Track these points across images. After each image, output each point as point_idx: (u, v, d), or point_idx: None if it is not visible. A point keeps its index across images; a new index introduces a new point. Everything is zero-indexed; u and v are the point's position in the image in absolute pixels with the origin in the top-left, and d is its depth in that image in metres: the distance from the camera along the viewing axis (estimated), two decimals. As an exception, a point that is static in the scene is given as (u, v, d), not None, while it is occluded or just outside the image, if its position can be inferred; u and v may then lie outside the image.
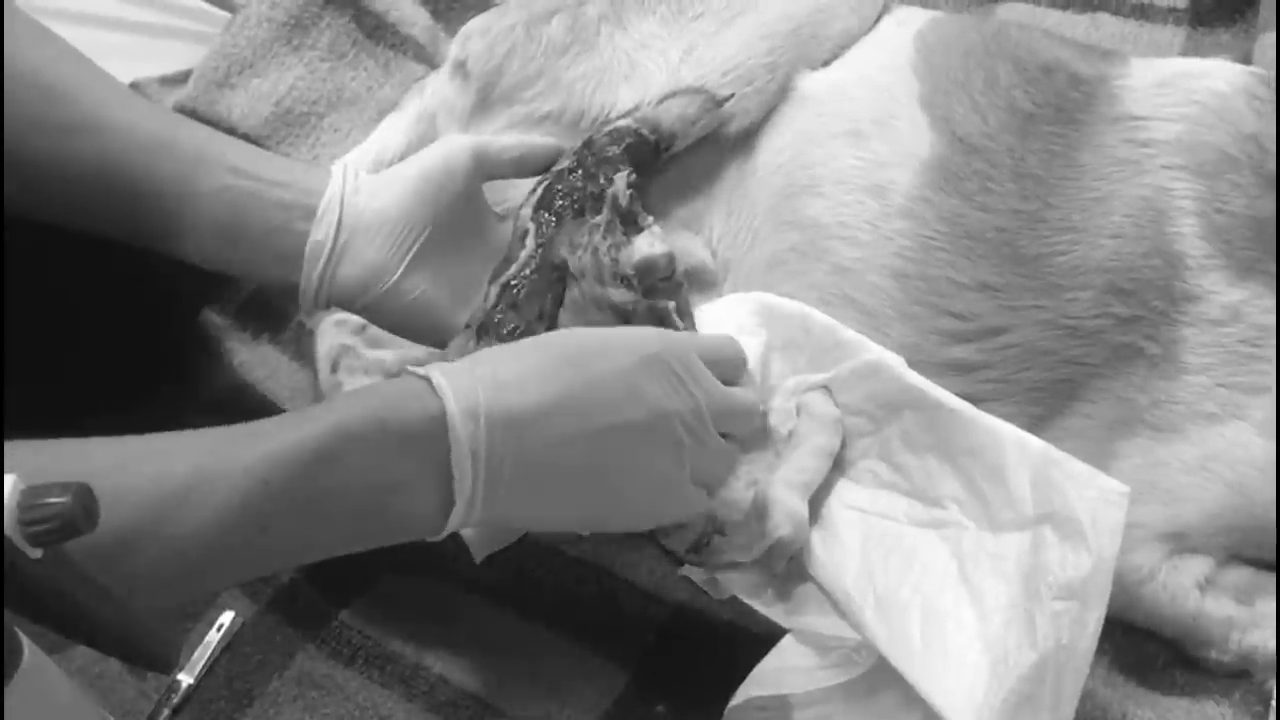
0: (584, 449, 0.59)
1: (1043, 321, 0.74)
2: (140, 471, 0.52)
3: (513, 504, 0.58)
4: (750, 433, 0.69)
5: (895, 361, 0.71)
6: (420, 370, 0.58)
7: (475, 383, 0.57)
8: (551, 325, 0.72)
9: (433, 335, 0.75)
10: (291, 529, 0.55)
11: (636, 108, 0.81)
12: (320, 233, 0.73)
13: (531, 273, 0.73)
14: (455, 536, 0.73)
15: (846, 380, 0.73)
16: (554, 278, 0.73)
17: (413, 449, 0.56)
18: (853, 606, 0.65)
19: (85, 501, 0.41)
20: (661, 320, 0.69)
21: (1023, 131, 0.77)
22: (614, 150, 0.77)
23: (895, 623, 0.63)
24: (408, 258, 0.74)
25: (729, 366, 0.67)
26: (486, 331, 0.71)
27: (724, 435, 0.65)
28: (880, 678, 0.64)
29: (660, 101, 0.80)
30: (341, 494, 0.55)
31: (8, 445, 0.51)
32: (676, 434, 0.61)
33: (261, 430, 0.55)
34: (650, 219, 0.73)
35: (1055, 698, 0.58)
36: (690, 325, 0.71)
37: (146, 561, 0.51)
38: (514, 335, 0.70)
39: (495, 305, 0.72)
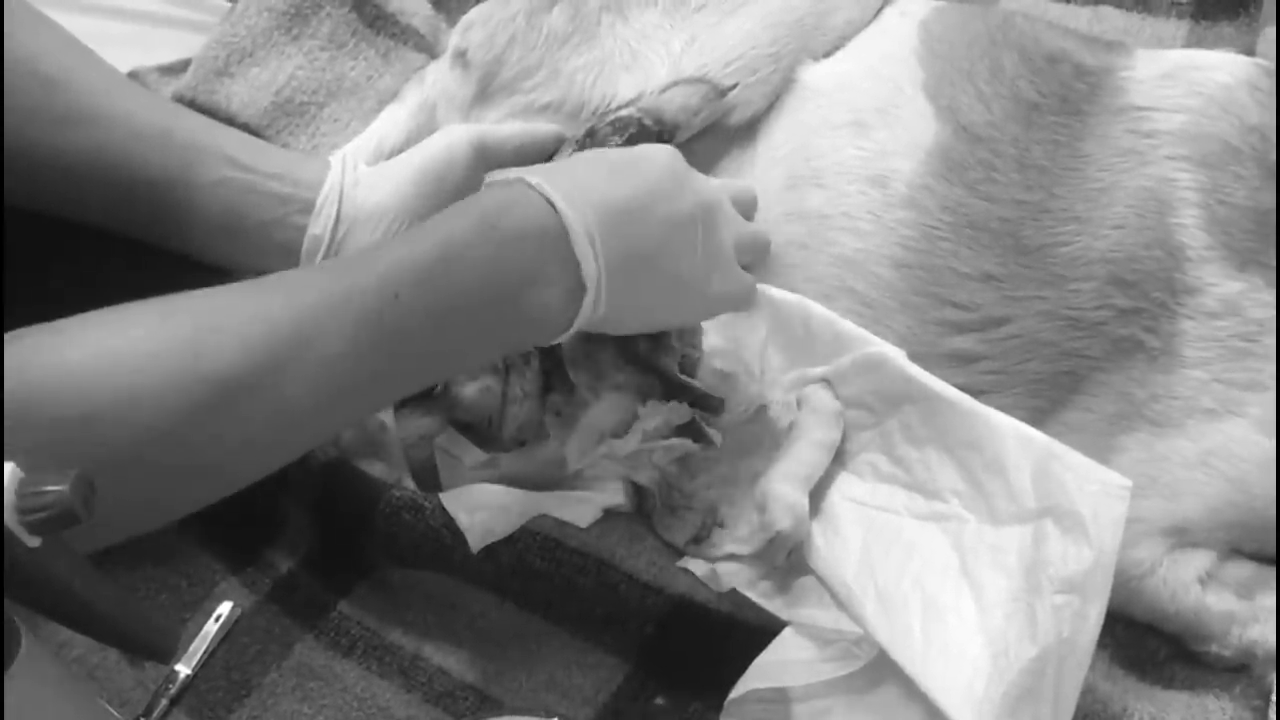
0: (660, 235, 0.63)
1: (1044, 312, 0.74)
2: (272, 301, 0.53)
3: (624, 293, 0.61)
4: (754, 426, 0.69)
5: (896, 354, 0.71)
6: (510, 175, 0.61)
7: (568, 182, 0.60)
8: None
9: None
10: (428, 337, 0.56)
11: (639, 97, 0.80)
12: (318, 226, 0.73)
13: None
14: (454, 528, 0.73)
15: (847, 373, 0.73)
16: None
17: (531, 243, 0.58)
18: (853, 600, 0.64)
19: (83, 489, 0.41)
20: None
21: (1027, 121, 0.76)
22: (617, 140, 0.77)
23: (896, 616, 0.62)
24: None
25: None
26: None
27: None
28: (880, 671, 0.64)
29: (663, 91, 0.80)
30: (469, 295, 0.57)
31: (137, 303, 0.52)
32: (717, 217, 0.66)
33: (374, 254, 0.57)
34: None
35: (1056, 691, 0.58)
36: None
37: (296, 384, 0.52)
38: None
39: None
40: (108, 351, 0.49)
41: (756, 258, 0.72)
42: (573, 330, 0.61)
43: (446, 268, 0.56)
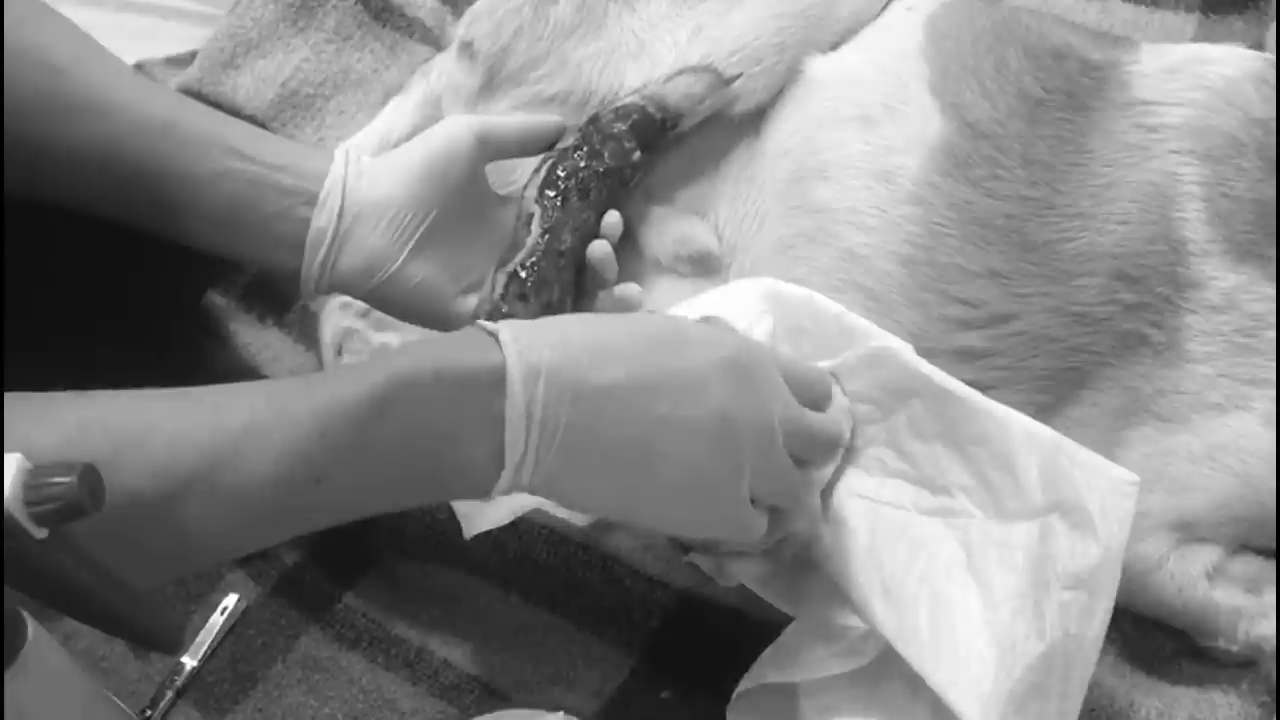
0: (640, 435, 0.56)
1: (1050, 309, 0.73)
2: (197, 421, 0.52)
3: (561, 475, 0.56)
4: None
5: (903, 349, 0.71)
6: (489, 325, 0.57)
7: (542, 343, 0.55)
8: (559, 315, 0.72)
9: (436, 321, 0.75)
10: (346, 480, 0.54)
11: (644, 85, 0.80)
12: (322, 220, 0.72)
13: (538, 260, 0.72)
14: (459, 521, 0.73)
15: (854, 367, 0.72)
16: (561, 264, 0.73)
17: (469, 401, 0.54)
18: (860, 595, 0.64)
19: (90, 482, 0.41)
20: None
21: (1032, 117, 0.76)
22: (620, 127, 0.77)
23: (903, 612, 0.62)
24: (410, 244, 0.73)
25: (812, 392, 0.63)
26: (494, 321, 0.70)
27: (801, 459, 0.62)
28: (887, 666, 0.64)
29: (667, 79, 0.80)
30: (396, 445, 0.54)
31: (61, 395, 0.51)
32: (739, 443, 0.58)
33: (317, 382, 0.55)
34: None
35: (1063, 686, 0.58)
36: None
37: (201, 510, 0.51)
38: None
39: (503, 294, 0.71)
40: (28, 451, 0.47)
41: (784, 503, 0.62)
42: (497, 494, 0.56)
43: (380, 411, 0.53)
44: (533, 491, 0.57)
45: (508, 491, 0.57)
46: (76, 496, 0.40)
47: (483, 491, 0.57)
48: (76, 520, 0.41)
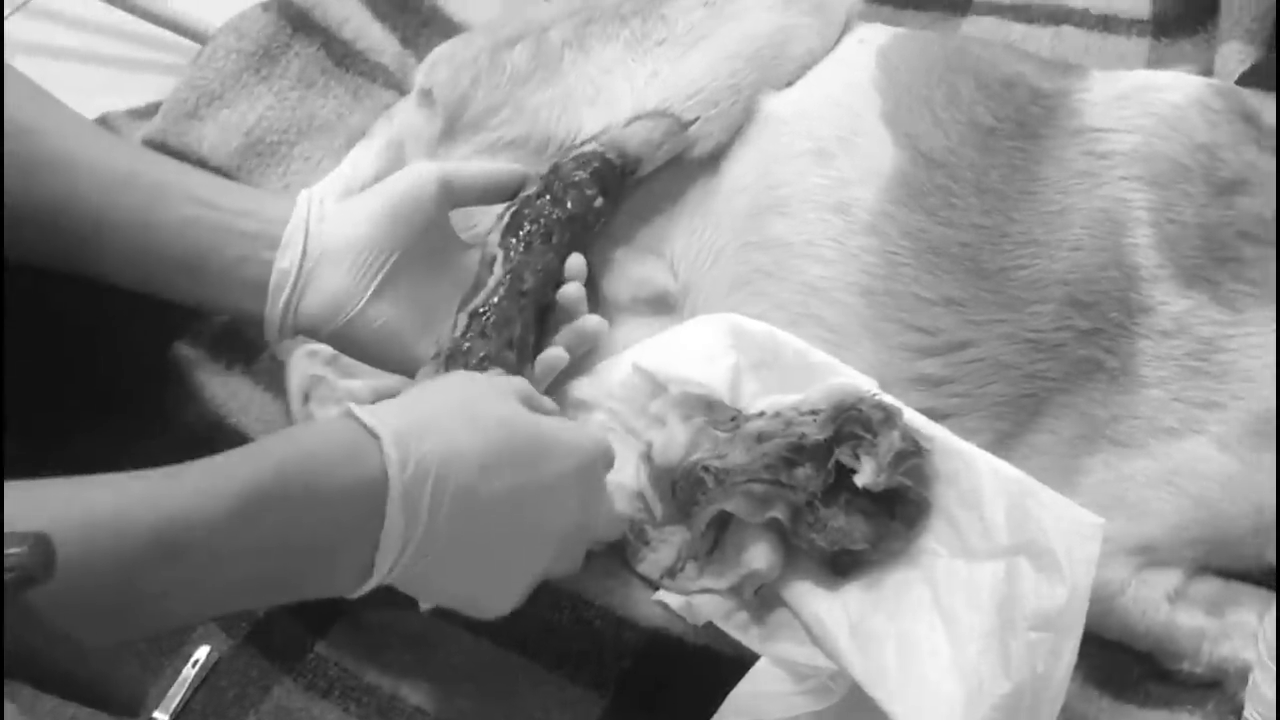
0: (508, 545, 0.60)
1: (1006, 335, 0.74)
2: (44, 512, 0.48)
3: (413, 580, 0.58)
4: None
5: (866, 384, 0.71)
6: (370, 423, 0.55)
7: (423, 451, 0.55)
8: (521, 352, 0.72)
9: (399, 363, 0.75)
10: (195, 592, 0.51)
11: (603, 131, 0.81)
12: (285, 261, 0.73)
13: (500, 300, 0.73)
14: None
15: (817, 403, 0.73)
16: (522, 304, 0.73)
17: (341, 514, 0.54)
18: (826, 634, 0.64)
19: (43, 551, 0.41)
20: None
21: (984, 146, 0.77)
22: (580, 175, 0.78)
23: (870, 650, 0.62)
24: (373, 285, 0.74)
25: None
26: (455, 360, 0.71)
27: None
28: (855, 706, 0.63)
29: (626, 125, 0.80)
30: (256, 556, 0.52)
31: None
32: (582, 541, 0.64)
33: (183, 478, 0.51)
34: None
35: None
36: None
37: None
38: (483, 363, 0.70)
39: (464, 333, 0.72)
40: None
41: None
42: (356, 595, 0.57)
43: (238, 525, 0.50)
44: (380, 582, 0.58)
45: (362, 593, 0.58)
46: (29, 566, 0.40)
47: (339, 594, 0.57)
48: (29, 589, 0.41)
